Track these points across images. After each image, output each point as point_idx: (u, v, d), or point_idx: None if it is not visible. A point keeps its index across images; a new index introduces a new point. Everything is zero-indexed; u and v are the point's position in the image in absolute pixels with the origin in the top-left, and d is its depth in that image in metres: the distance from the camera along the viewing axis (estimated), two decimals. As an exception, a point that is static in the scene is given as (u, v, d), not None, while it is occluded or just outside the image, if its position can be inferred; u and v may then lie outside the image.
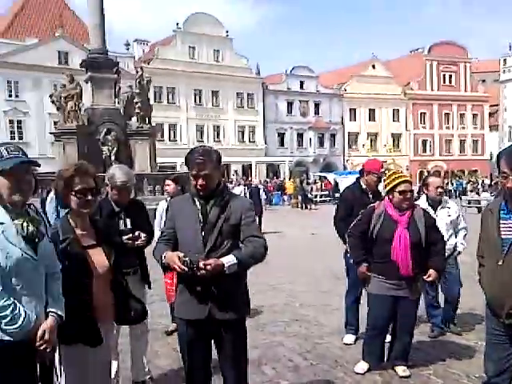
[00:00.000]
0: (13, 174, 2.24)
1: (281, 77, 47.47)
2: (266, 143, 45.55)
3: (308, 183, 32.50)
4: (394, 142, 51.59)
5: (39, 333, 2.27)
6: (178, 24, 41.53)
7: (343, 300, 5.37)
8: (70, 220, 2.76)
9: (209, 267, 2.65)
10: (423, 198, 5.38)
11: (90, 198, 2.69)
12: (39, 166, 2.38)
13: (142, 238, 3.73)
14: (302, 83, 47.64)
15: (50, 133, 18.32)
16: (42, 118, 34.55)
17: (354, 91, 49.30)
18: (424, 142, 53.48)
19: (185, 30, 41.38)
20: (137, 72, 18.38)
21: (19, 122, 34.71)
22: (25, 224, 2.27)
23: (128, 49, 39.51)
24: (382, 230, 4.10)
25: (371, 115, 50.98)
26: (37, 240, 2.31)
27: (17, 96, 34.47)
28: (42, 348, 2.28)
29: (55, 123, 19.93)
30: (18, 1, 41.71)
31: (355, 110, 50.25)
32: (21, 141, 33.48)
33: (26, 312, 2.24)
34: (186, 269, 2.67)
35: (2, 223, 2.24)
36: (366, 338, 4.41)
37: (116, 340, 3.66)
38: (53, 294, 2.41)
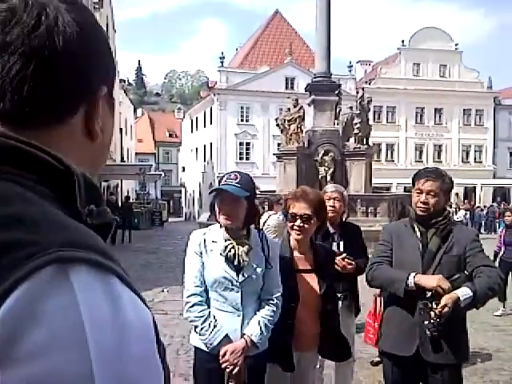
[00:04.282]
0: (218, 200, 2.45)
1: (517, 90, 42.55)
2: (494, 164, 41.21)
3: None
4: None
5: (221, 351, 2.34)
6: (403, 41, 40.79)
7: None
8: (291, 241, 2.82)
9: (446, 309, 2.39)
10: None
11: (299, 223, 2.70)
12: (247, 196, 2.42)
13: (351, 267, 3.59)
14: (543, 96, 41.87)
15: (274, 154, 19.74)
16: (267, 140, 37.54)
17: None
18: None
19: (410, 47, 40.35)
20: (357, 93, 18.61)
21: (248, 143, 38.26)
22: (229, 246, 2.43)
23: (350, 70, 40.35)
24: None
25: None
26: (238, 263, 2.42)
27: (247, 120, 38.11)
28: (224, 366, 2.34)
29: (278, 145, 21.40)
30: (254, 34, 46.58)
31: None
32: (247, 161, 37.02)
33: (215, 327, 2.38)
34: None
35: (215, 242, 2.48)
36: None
37: (322, 365, 3.67)
38: (257, 319, 2.47)
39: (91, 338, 0.43)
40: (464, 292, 2.44)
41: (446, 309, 2.38)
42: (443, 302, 2.40)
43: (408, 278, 2.55)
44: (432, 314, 2.43)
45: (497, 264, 7.24)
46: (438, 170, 2.83)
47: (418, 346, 2.60)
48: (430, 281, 2.51)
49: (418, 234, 2.73)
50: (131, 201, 28.03)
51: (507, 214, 8.33)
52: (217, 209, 2.46)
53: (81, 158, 0.61)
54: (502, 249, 8.02)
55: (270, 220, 7.06)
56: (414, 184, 2.77)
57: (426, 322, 2.47)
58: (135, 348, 0.47)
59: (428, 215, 2.68)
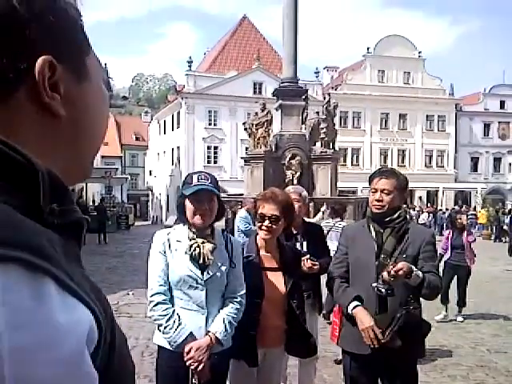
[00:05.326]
0: (193, 200, 2.47)
1: (477, 97, 43.94)
2: (456, 168, 42.43)
3: (504, 213, 29.19)
4: None
5: (186, 348, 2.37)
6: (368, 49, 41.58)
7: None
8: (258, 240, 2.87)
9: (401, 272, 2.47)
10: None
11: (267, 224, 2.75)
12: (218, 195, 2.52)
13: (316, 267, 3.66)
14: (502, 103, 43.37)
15: (242, 158, 19.80)
16: (235, 144, 37.57)
17: None
18: None
19: (375, 54, 41.16)
20: (324, 98, 18.87)
21: (215, 147, 38.13)
22: (194, 245, 2.46)
23: (317, 76, 40.85)
24: None
25: None
26: (203, 261, 2.46)
27: (215, 124, 38.01)
28: (188, 363, 2.36)
29: (246, 149, 21.51)
30: (222, 38, 46.61)
31: None
32: (215, 164, 36.89)
33: (179, 325, 2.40)
34: (375, 342, 2.59)
35: (179, 241, 2.51)
36: None
37: (285, 363, 3.73)
38: (221, 317, 2.50)
39: (6, 338, 0.41)
40: (418, 272, 2.57)
41: (401, 272, 2.46)
42: (400, 265, 2.48)
43: (349, 306, 2.71)
44: (385, 274, 2.51)
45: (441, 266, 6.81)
46: (391, 170, 2.93)
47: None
48: (364, 321, 2.63)
49: (374, 234, 2.79)
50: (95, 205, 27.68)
51: (459, 216, 8.14)
52: (191, 209, 2.47)
53: (48, 141, 0.57)
54: (448, 252, 7.76)
55: None
56: (370, 184, 2.85)
57: (376, 284, 2.57)
58: (57, 352, 0.44)
59: (383, 213, 2.75)
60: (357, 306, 2.69)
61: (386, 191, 2.73)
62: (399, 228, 2.75)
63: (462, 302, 7.69)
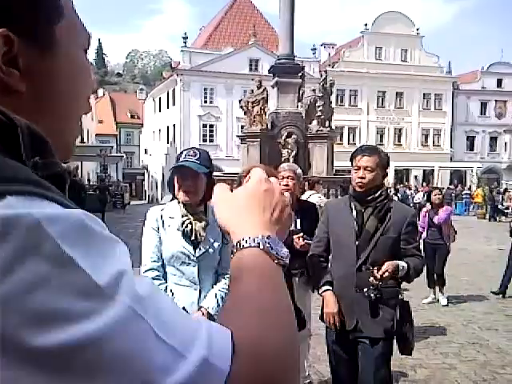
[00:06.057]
0: (178, 176, 2.48)
1: (475, 75, 43.67)
2: (452, 147, 42.42)
3: (498, 192, 29.33)
4: None
5: None
6: (366, 25, 41.10)
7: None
8: None
9: (386, 274, 2.56)
10: None
11: None
12: (204, 172, 2.46)
13: (307, 244, 3.67)
14: (499, 81, 43.14)
15: (237, 136, 19.70)
16: (231, 122, 37.32)
17: None
18: None
19: (372, 31, 40.70)
20: (321, 76, 18.66)
21: (211, 126, 37.87)
22: (187, 222, 2.47)
23: (314, 53, 40.44)
24: None
25: None
26: (195, 238, 2.47)
27: (211, 102, 37.69)
28: None
29: (242, 127, 21.38)
30: (218, 14, 45.92)
31: None
32: (211, 143, 36.54)
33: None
34: (333, 326, 2.80)
35: (172, 217, 2.51)
36: None
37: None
38: (213, 292, 2.52)
39: (54, 231, 0.45)
40: (402, 263, 2.65)
41: (387, 274, 2.55)
42: (384, 267, 2.55)
43: (320, 288, 2.89)
44: (372, 278, 2.59)
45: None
46: (373, 147, 2.93)
47: (357, 319, 2.75)
48: (329, 306, 2.79)
49: (354, 213, 2.80)
50: (91, 183, 27.76)
51: (436, 192, 7.68)
52: (176, 185, 2.48)
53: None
54: (425, 230, 7.35)
55: (311, 199, 6.83)
56: (352, 162, 2.84)
57: (367, 289, 2.65)
58: (98, 231, 0.49)
59: (365, 191, 2.76)
60: (327, 290, 2.84)
61: (368, 168, 2.73)
62: (381, 207, 2.76)
63: (440, 281, 7.30)
